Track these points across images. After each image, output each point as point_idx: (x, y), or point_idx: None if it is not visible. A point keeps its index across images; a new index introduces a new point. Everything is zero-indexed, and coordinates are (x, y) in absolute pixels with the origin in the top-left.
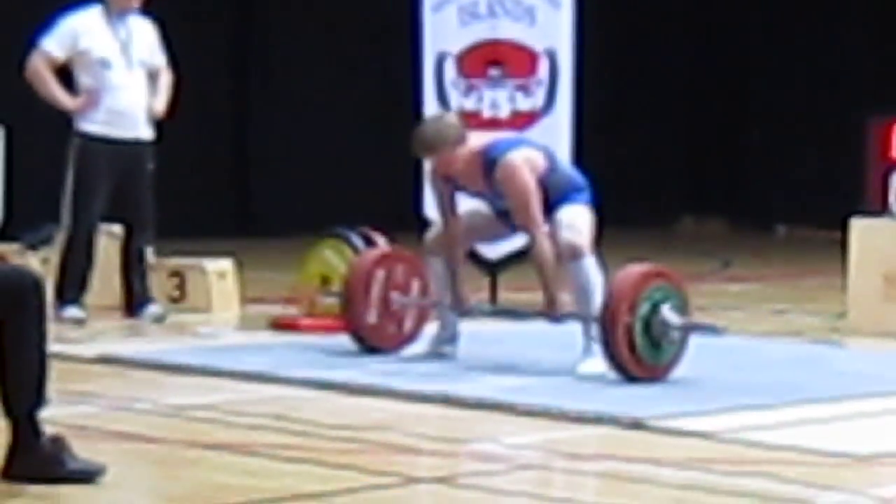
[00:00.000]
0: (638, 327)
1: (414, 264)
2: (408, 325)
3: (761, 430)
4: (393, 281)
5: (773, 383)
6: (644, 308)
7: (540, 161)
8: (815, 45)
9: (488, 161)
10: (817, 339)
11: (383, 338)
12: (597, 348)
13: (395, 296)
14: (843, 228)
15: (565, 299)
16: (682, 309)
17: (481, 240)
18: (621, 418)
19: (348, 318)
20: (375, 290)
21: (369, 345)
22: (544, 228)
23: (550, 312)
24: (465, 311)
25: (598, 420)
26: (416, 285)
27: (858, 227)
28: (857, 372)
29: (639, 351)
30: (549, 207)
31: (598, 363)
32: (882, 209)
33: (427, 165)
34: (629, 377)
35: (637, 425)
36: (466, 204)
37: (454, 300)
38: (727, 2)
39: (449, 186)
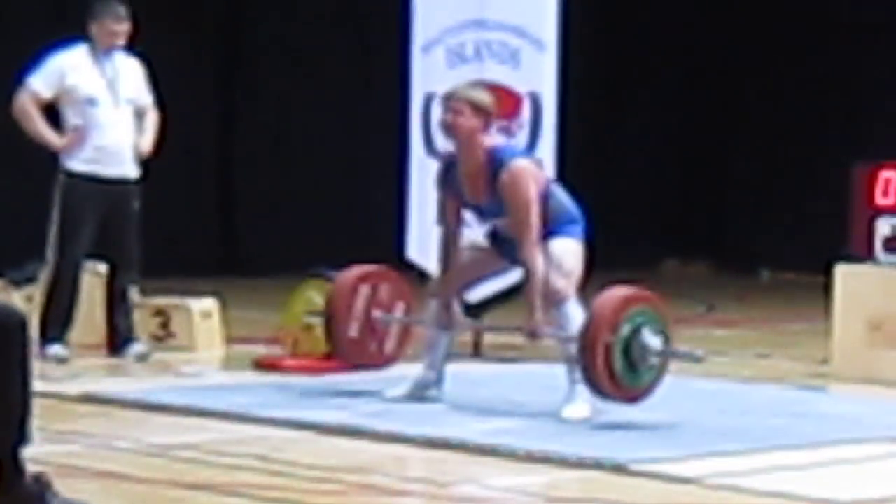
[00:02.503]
0: (617, 349)
1: (399, 285)
2: (389, 345)
3: (744, 476)
4: (377, 299)
5: (757, 428)
6: (625, 330)
7: (542, 177)
8: (800, 90)
9: (496, 161)
10: (801, 385)
11: (364, 355)
12: (581, 391)
13: (377, 313)
14: (828, 273)
15: (541, 318)
16: (663, 334)
17: (478, 276)
18: (604, 462)
19: (329, 332)
20: (359, 306)
21: (350, 361)
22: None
23: (527, 327)
24: (451, 326)
25: (580, 464)
26: (400, 306)
27: (843, 273)
28: (840, 417)
29: (616, 372)
30: (543, 234)
31: (582, 407)
32: (866, 255)
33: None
34: (605, 397)
35: (619, 469)
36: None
37: (446, 319)
38: (713, 46)
39: (452, 197)
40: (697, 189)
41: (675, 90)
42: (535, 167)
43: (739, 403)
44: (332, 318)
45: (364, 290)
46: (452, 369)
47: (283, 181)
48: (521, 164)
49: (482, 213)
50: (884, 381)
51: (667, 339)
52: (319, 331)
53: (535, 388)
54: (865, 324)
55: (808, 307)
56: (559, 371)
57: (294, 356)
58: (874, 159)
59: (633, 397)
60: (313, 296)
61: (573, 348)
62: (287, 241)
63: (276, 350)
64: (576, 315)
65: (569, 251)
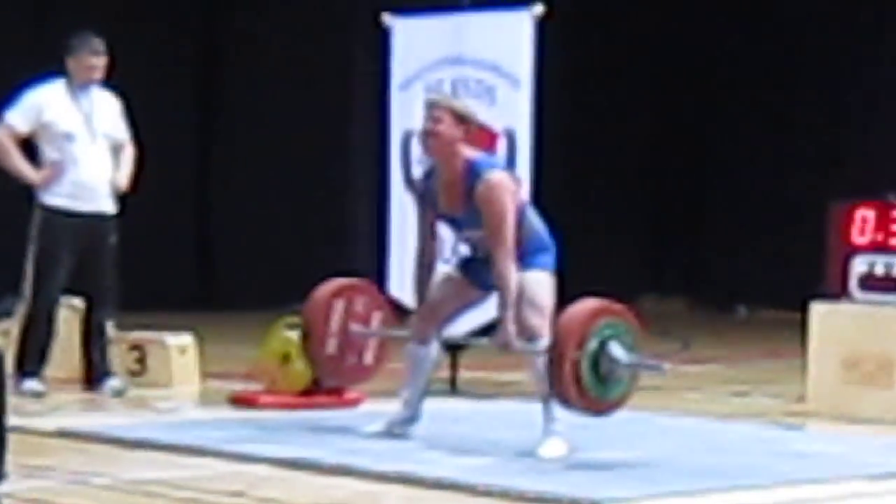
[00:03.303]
0: (585, 363)
1: (374, 297)
2: (368, 357)
3: None
4: (353, 312)
5: (733, 466)
6: (592, 344)
7: (519, 194)
8: (777, 128)
9: (473, 172)
10: (777, 423)
11: (343, 370)
12: (558, 429)
13: (354, 327)
14: (803, 310)
15: (513, 330)
16: (631, 347)
17: (454, 310)
18: (580, 500)
19: (307, 349)
20: (335, 321)
21: (329, 377)
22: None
23: (500, 339)
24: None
25: (556, 501)
26: (376, 317)
27: (818, 311)
28: (816, 456)
29: (585, 385)
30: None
31: (558, 445)
32: (842, 293)
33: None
34: (575, 411)
35: None
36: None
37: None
38: (688, 84)
39: (429, 208)
40: (674, 225)
41: (651, 127)
42: (513, 183)
43: (715, 441)
44: (308, 336)
45: (339, 305)
46: (429, 406)
47: (260, 216)
48: (499, 176)
49: (457, 225)
50: (860, 419)
51: (636, 352)
52: (296, 366)
53: (512, 426)
54: (841, 362)
55: (784, 344)
56: (535, 408)
57: (270, 392)
58: (850, 198)
59: (602, 410)
60: (290, 333)
61: (544, 372)
62: (264, 276)
63: (252, 386)
64: None
65: (542, 285)
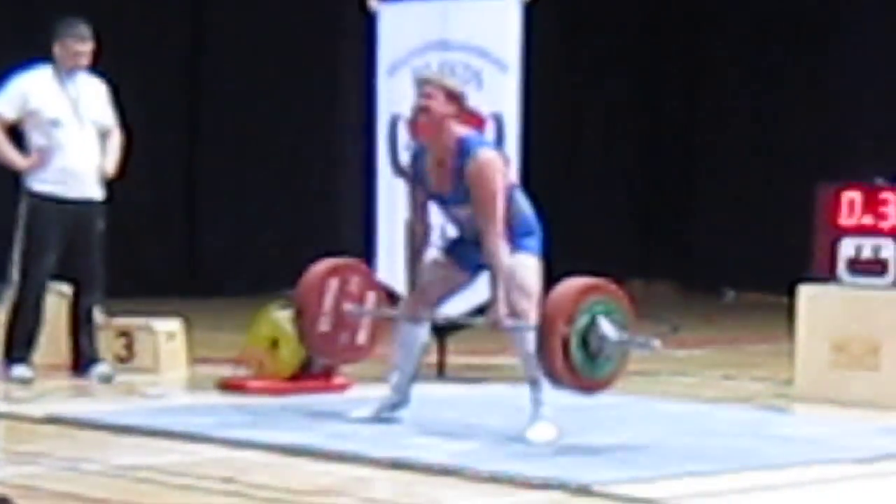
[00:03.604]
0: (575, 340)
1: (368, 277)
2: (361, 337)
3: (709, 497)
4: (347, 291)
5: (721, 450)
6: (582, 321)
7: (509, 174)
8: (763, 111)
9: (464, 149)
10: (765, 406)
11: (336, 349)
12: (546, 413)
13: (348, 306)
14: (791, 294)
15: (503, 308)
16: (622, 325)
17: (442, 294)
18: (569, 484)
19: (299, 326)
20: (328, 299)
21: (322, 355)
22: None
23: (490, 316)
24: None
25: (545, 485)
26: (371, 297)
27: (806, 294)
28: (804, 439)
29: (575, 363)
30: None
31: (547, 429)
32: (829, 276)
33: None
34: (564, 389)
35: (584, 491)
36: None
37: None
38: (676, 68)
39: (420, 188)
40: (662, 209)
41: (639, 111)
42: (503, 162)
43: (704, 425)
44: (301, 314)
45: (333, 283)
46: (417, 390)
47: (248, 202)
48: (489, 154)
49: (445, 203)
50: (848, 401)
51: (626, 330)
52: (284, 352)
53: (500, 410)
54: (829, 345)
55: (771, 327)
56: (524, 393)
57: (259, 377)
58: (838, 180)
59: (592, 388)
60: (279, 318)
61: (536, 373)
62: (252, 261)
63: (240, 371)
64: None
65: (529, 269)
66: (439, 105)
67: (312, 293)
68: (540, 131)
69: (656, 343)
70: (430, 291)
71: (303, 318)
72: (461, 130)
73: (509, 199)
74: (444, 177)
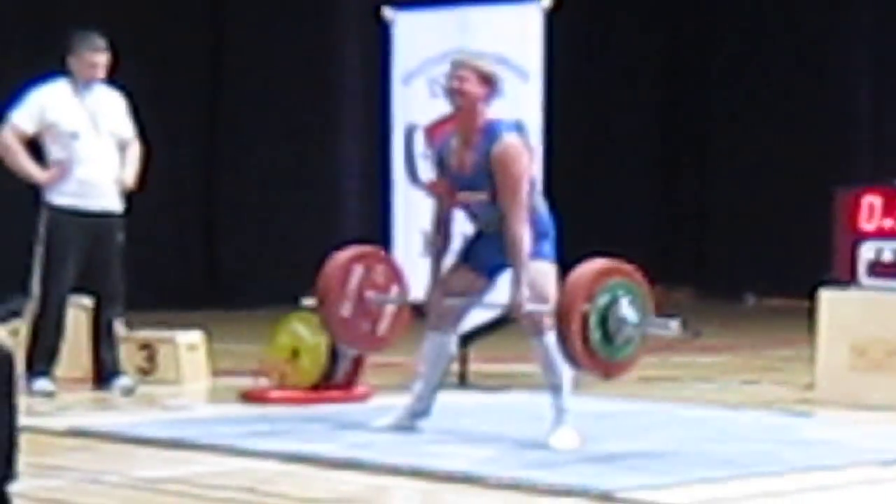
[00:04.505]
0: (594, 318)
1: (394, 268)
2: (382, 326)
3: (732, 502)
4: (371, 280)
5: (743, 455)
6: (602, 300)
7: (532, 163)
8: (782, 115)
9: (491, 131)
10: (787, 411)
11: (356, 335)
12: (568, 420)
13: (371, 294)
14: (812, 298)
15: (525, 292)
16: (641, 307)
17: (463, 291)
18: (591, 491)
19: (322, 311)
20: (352, 284)
21: (342, 340)
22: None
23: (511, 301)
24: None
25: (568, 492)
26: (394, 289)
27: (826, 298)
28: (826, 443)
29: (593, 343)
30: None
31: (569, 435)
32: (850, 280)
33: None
34: (581, 369)
35: (607, 497)
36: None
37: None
38: (693, 74)
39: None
40: (681, 214)
41: (657, 117)
42: (528, 150)
43: (725, 430)
44: (324, 296)
45: (358, 269)
46: (439, 399)
47: (266, 213)
48: (515, 140)
49: (460, 184)
50: (869, 405)
51: (645, 312)
52: (305, 362)
53: (522, 418)
54: (850, 349)
55: (792, 332)
56: (545, 400)
57: (280, 388)
58: (857, 184)
59: (609, 371)
60: (299, 328)
61: (557, 379)
62: (272, 272)
63: (262, 382)
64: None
65: (547, 276)
66: (472, 87)
67: (337, 276)
68: (560, 139)
69: (674, 325)
70: (449, 284)
71: (325, 303)
72: (491, 114)
73: (531, 193)
74: (466, 158)
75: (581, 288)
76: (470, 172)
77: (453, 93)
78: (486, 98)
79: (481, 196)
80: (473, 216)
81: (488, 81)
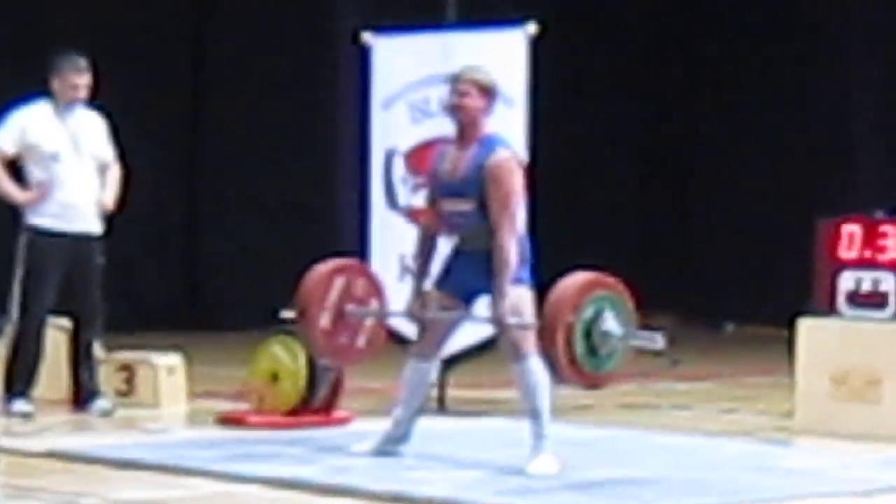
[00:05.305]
0: (579, 329)
1: (374, 282)
2: (360, 340)
3: None
4: (351, 293)
5: (722, 483)
6: (587, 312)
7: (523, 179)
8: (764, 144)
9: (487, 143)
10: (766, 439)
11: (335, 348)
12: (547, 446)
13: (350, 307)
14: (791, 327)
15: (508, 305)
16: (626, 320)
17: (445, 329)
18: None
19: (302, 323)
20: (332, 297)
21: (320, 352)
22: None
23: (495, 313)
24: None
25: None
26: (373, 303)
27: (806, 327)
28: (805, 472)
29: (577, 355)
30: None
31: (548, 462)
32: (829, 309)
33: None
34: (566, 382)
35: None
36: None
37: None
38: (675, 103)
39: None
40: (661, 242)
41: (639, 145)
42: (520, 167)
43: (704, 458)
44: (304, 308)
45: (339, 282)
46: (418, 424)
47: (248, 235)
48: (510, 155)
49: (448, 191)
50: (848, 434)
51: (629, 326)
52: (285, 386)
53: (501, 443)
54: (829, 377)
55: (772, 361)
56: (524, 426)
57: (259, 412)
58: (837, 213)
59: (593, 383)
60: (279, 352)
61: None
62: (253, 294)
63: (240, 405)
64: (538, 371)
65: (526, 302)
66: (473, 100)
67: (317, 288)
68: (542, 166)
69: (659, 338)
70: (432, 328)
71: (305, 315)
72: (490, 127)
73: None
74: (458, 166)
75: (566, 300)
76: (461, 179)
77: (455, 109)
78: (487, 109)
79: (467, 205)
80: (456, 226)
81: (488, 93)
